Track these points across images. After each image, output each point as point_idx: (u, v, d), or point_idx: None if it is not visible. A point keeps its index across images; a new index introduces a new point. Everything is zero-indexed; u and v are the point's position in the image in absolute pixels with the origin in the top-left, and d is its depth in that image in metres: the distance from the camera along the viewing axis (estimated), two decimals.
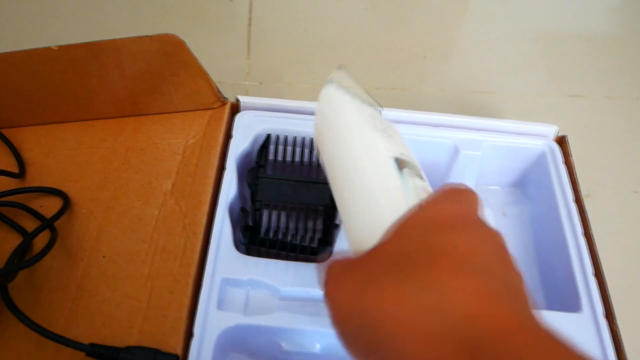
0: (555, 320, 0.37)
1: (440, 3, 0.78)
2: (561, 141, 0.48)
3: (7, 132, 0.48)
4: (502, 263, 0.24)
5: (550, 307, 0.42)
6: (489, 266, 0.23)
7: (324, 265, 0.27)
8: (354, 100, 0.33)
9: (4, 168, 0.45)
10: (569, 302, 0.39)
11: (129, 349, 0.34)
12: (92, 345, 0.34)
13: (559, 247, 0.42)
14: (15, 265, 0.38)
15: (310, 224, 0.43)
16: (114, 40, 0.44)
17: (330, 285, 0.26)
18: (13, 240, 0.41)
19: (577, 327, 0.37)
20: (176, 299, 0.37)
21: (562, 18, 0.76)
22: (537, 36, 0.72)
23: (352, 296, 0.24)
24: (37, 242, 0.41)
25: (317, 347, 0.38)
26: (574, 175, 0.45)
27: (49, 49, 0.45)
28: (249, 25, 0.70)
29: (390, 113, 0.48)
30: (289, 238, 0.42)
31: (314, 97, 0.48)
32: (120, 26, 0.69)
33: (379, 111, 0.35)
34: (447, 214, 0.26)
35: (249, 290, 0.39)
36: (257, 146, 0.47)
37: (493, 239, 0.25)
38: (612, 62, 0.70)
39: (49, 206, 0.43)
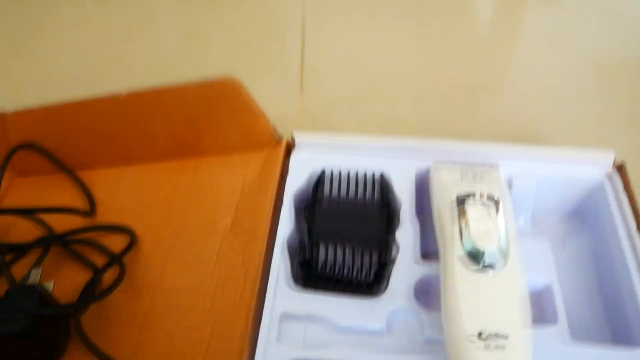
0: (621, 356, 0.36)
1: (488, 34, 0.78)
2: (620, 168, 0.47)
3: (79, 174, 0.52)
4: None
5: (616, 341, 0.40)
6: None
7: None
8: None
9: (76, 207, 0.49)
10: (635, 336, 0.38)
11: None
12: None
13: (622, 279, 0.40)
14: (86, 299, 0.40)
15: (365, 259, 0.43)
16: (178, 85, 0.47)
17: None
18: (84, 275, 0.44)
19: None
20: (237, 332, 0.38)
21: (610, 43, 0.75)
22: (587, 62, 0.71)
23: None
24: (105, 276, 0.44)
25: None
26: (635, 203, 0.44)
27: (117, 94, 0.48)
28: (302, 65, 0.73)
29: (444, 144, 0.48)
30: (344, 273, 0.42)
31: (365, 132, 0.50)
32: (180, 69, 0.73)
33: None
34: None
35: (307, 324, 0.39)
36: (313, 182, 0.48)
37: None
38: None
39: (116, 242, 0.46)
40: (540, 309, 0.41)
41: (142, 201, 0.49)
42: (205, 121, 0.49)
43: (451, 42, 0.77)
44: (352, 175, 0.47)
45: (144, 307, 0.42)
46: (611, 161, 0.47)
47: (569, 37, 0.76)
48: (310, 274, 0.41)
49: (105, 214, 0.49)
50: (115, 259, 0.44)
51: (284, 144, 0.50)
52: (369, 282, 0.41)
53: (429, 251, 0.44)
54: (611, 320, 0.42)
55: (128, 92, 0.48)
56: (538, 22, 0.80)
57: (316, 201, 0.46)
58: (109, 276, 0.43)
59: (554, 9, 0.80)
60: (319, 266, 0.42)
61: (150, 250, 0.45)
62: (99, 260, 0.45)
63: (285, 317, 0.39)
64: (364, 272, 0.42)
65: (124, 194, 0.50)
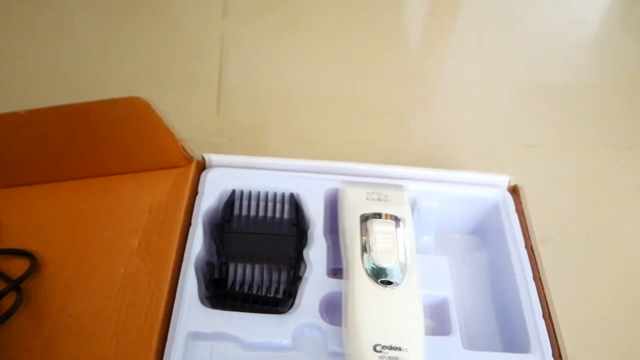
0: None
1: (411, 60, 0.81)
2: (514, 190, 0.50)
3: None
4: None
5: (505, 349, 0.43)
6: None
7: None
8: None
9: None
10: (521, 344, 0.41)
11: None
12: None
13: (512, 291, 0.43)
14: None
15: (275, 276, 0.44)
16: (82, 104, 0.46)
17: None
18: None
19: None
20: (141, 354, 0.37)
21: (528, 69, 0.80)
22: (499, 90, 0.76)
23: None
24: (5, 304, 0.41)
25: None
26: (525, 222, 0.47)
27: (15, 113, 0.46)
28: (219, 84, 0.73)
29: (352, 166, 0.50)
30: (254, 291, 0.43)
31: (281, 154, 0.51)
32: (91, 88, 0.71)
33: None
34: None
35: (214, 343, 0.39)
36: (223, 202, 0.48)
37: None
38: (569, 113, 0.74)
39: (16, 267, 0.44)
40: (437, 321, 0.43)
41: (46, 223, 0.48)
42: (112, 141, 0.48)
43: (375, 64, 0.79)
44: (263, 195, 0.48)
45: (44, 333, 0.40)
46: (507, 184, 0.51)
47: (490, 62, 0.81)
48: (218, 293, 0.41)
49: (5, 239, 0.47)
50: (12, 285, 0.42)
51: (194, 164, 0.50)
52: (278, 299, 0.42)
53: (337, 268, 0.46)
54: (502, 330, 0.45)
55: (27, 111, 0.46)
56: (462, 45, 0.84)
57: (226, 220, 0.46)
58: (9, 303, 0.41)
59: (477, 36, 0.85)
60: (228, 285, 0.43)
61: (53, 274, 0.44)
62: None
63: (193, 336, 0.39)
64: (273, 290, 0.42)
65: (25, 216, 0.48)
